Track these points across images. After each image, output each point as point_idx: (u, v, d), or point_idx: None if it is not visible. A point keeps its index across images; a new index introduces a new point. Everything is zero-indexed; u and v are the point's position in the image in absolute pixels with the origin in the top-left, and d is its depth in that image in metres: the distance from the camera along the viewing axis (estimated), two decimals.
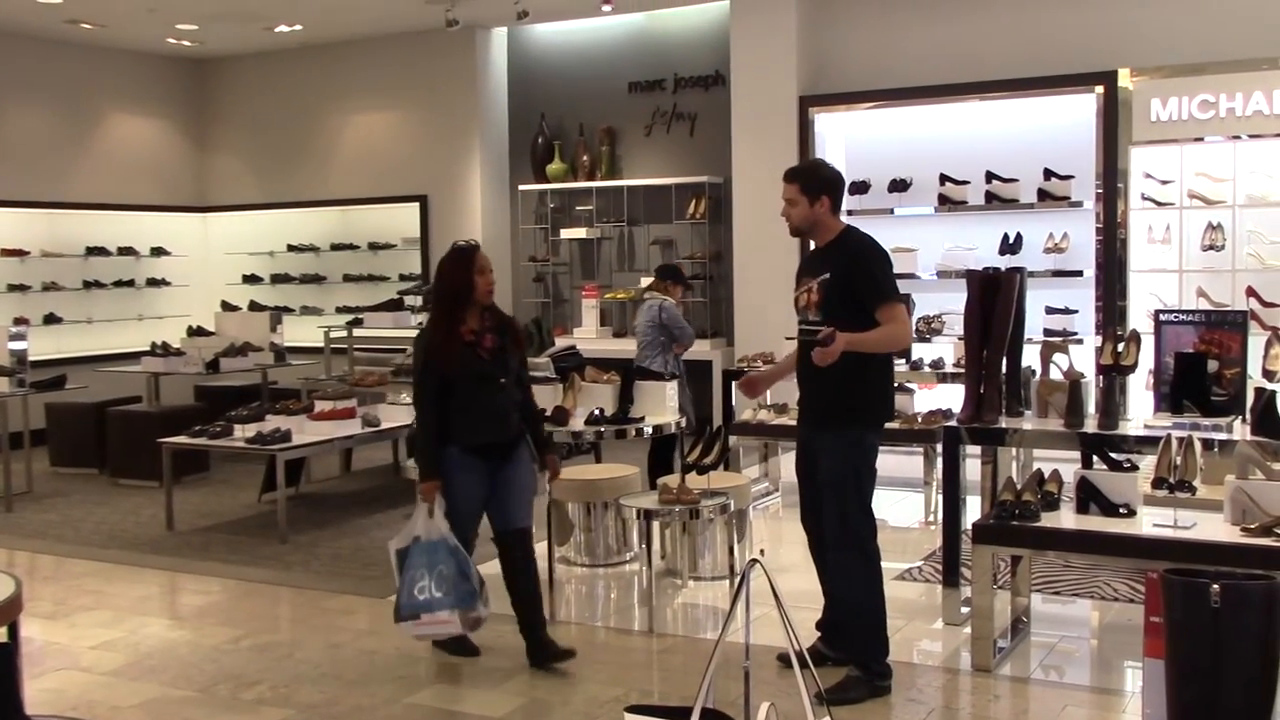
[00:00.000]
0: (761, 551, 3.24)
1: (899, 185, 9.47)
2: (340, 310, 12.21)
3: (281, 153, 13.06)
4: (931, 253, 9.37)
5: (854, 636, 4.67)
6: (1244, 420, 5.02)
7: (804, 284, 4.75)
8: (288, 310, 12.40)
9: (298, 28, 11.74)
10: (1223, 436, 4.86)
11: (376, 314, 9.87)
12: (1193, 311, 5.83)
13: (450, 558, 4.82)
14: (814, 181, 4.74)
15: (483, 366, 4.94)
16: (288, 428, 7.79)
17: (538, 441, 5.19)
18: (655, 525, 5.99)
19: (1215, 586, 3.54)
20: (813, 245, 4.86)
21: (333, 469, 9.79)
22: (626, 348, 9.11)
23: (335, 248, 12.77)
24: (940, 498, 5.84)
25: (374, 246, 12.56)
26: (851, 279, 4.61)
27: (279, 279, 13.05)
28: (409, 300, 9.98)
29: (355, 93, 12.55)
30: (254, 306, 12.00)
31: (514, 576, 5.05)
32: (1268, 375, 5.40)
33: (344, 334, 10.06)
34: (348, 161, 12.69)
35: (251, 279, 13.13)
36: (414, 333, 9.91)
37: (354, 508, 8.49)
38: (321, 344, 10.18)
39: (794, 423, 5.30)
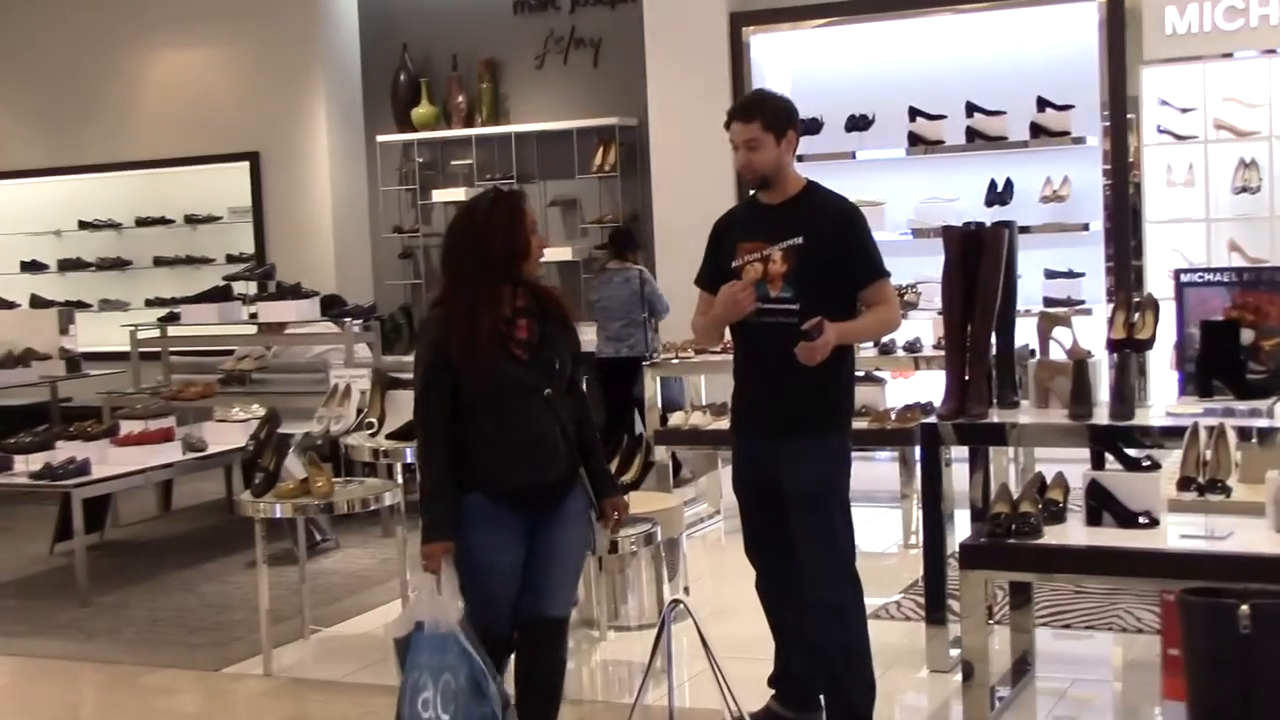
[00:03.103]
0: (686, 590, 3.27)
1: (859, 123, 9.55)
2: (151, 303, 12.02)
3: (66, 105, 12.79)
4: (902, 206, 9.46)
5: (850, 691, 4.73)
6: None
7: (754, 249, 4.73)
8: (82, 306, 12.17)
9: None
10: (1262, 423, 4.97)
11: (198, 306, 9.73)
12: (1222, 270, 5.96)
13: (462, 663, 4.18)
14: (778, 116, 4.74)
15: (516, 371, 4.31)
16: (86, 457, 7.67)
17: (595, 478, 4.55)
18: None
19: (1244, 607, 3.61)
20: (762, 199, 4.83)
21: (147, 508, 9.67)
22: None
23: (141, 223, 12.57)
24: (920, 514, 5.91)
25: (192, 220, 12.39)
26: (835, 248, 4.67)
27: (69, 265, 12.83)
28: (239, 288, 9.86)
29: (160, 25, 12.33)
30: (37, 302, 11.76)
31: (532, 681, 4.45)
32: None
33: (156, 334, 9.92)
34: (153, 113, 12.48)
35: (32, 266, 12.86)
36: (248, 329, 9.96)
37: (176, 556, 8.39)
38: (128, 348, 10.02)
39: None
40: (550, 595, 4.40)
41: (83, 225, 12.78)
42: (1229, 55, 8.75)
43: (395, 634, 4.34)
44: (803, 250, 4.66)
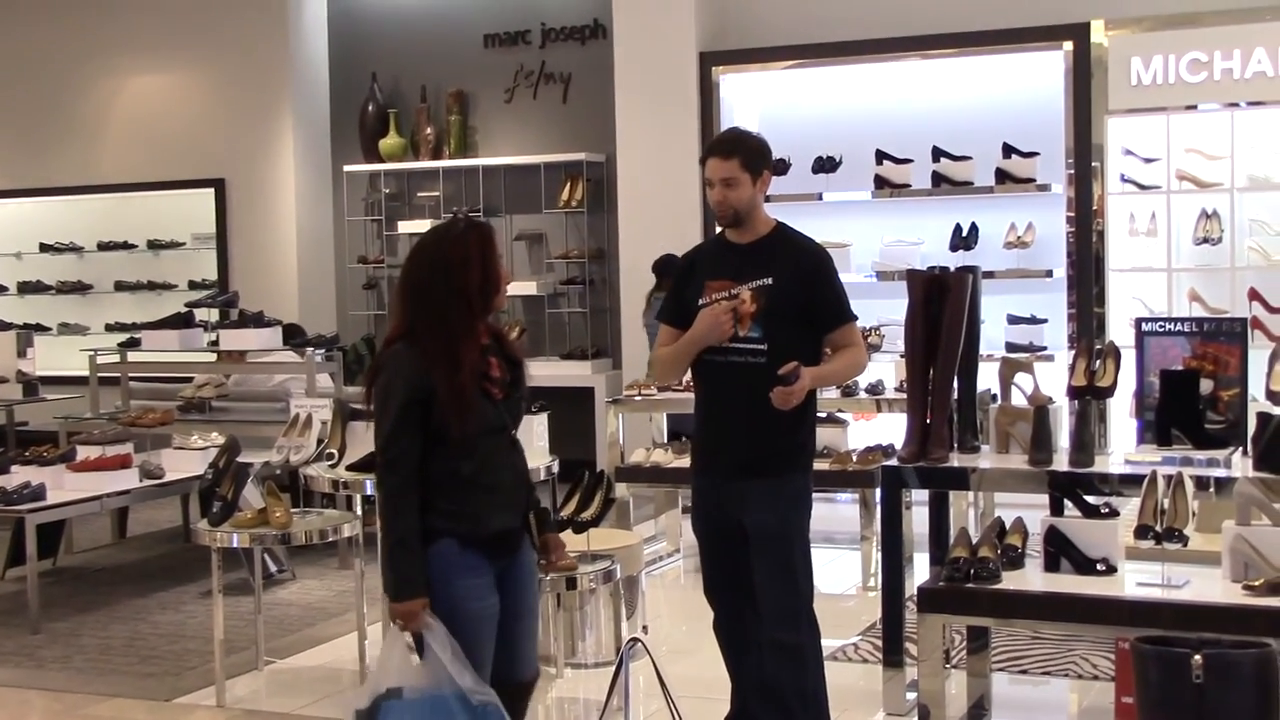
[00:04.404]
0: (644, 629, 3.28)
1: (826, 164, 9.63)
2: (111, 328, 12.00)
3: (30, 127, 12.78)
4: (867, 248, 9.53)
5: None
6: (1245, 453, 5.18)
7: (721, 287, 4.74)
8: (41, 329, 12.14)
9: None
10: (1219, 473, 5.00)
11: (158, 333, 9.70)
12: (1182, 319, 6.02)
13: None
14: (755, 155, 4.76)
15: (493, 411, 4.10)
16: (40, 481, 7.61)
17: (537, 516, 4.33)
18: None
19: (1197, 657, 3.65)
20: (731, 238, 4.84)
21: (102, 535, 9.59)
22: None
23: (104, 247, 12.57)
24: (879, 556, 5.93)
25: (155, 245, 12.40)
26: (805, 290, 4.69)
27: (28, 288, 12.81)
28: (201, 314, 9.83)
29: (128, 50, 12.34)
30: None
31: None
32: (1273, 397, 5.58)
33: (116, 359, 9.88)
34: (119, 137, 12.48)
35: None
36: (208, 357, 9.90)
37: (129, 584, 8.33)
38: (86, 372, 9.98)
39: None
40: (523, 655, 4.23)
41: (44, 248, 12.78)
42: (1193, 107, 8.88)
43: (357, 705, 3.99)
44: (772, 291, 4.68)
